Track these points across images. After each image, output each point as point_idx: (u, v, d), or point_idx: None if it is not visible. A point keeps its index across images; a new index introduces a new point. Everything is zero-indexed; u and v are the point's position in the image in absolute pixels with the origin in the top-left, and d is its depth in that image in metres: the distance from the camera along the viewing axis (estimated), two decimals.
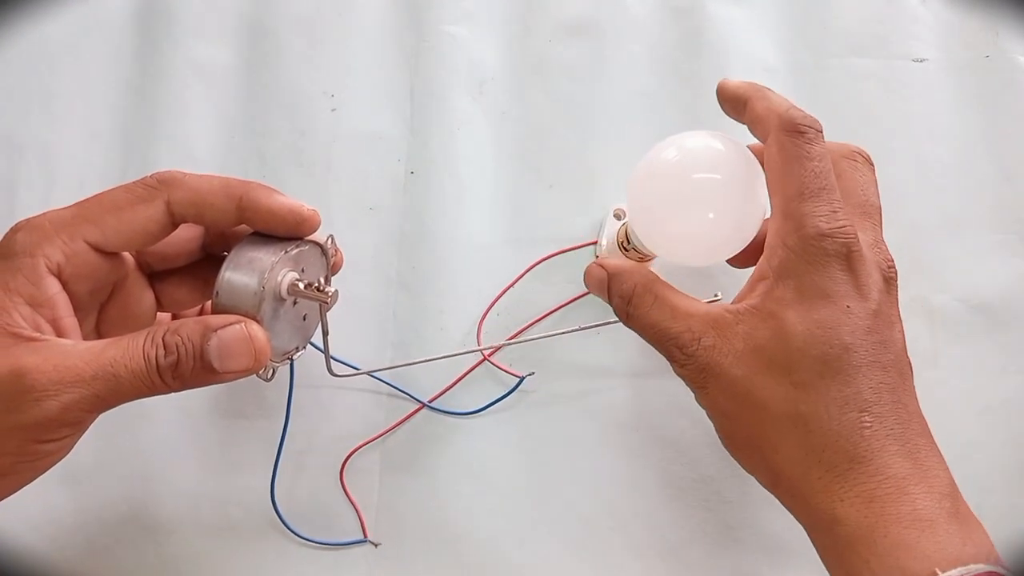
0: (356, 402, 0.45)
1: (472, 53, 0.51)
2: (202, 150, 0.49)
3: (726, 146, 0.37)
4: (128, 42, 0.51)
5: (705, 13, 0.52)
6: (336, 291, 0.33)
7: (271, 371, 0.34)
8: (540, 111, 0.50)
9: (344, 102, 0.50)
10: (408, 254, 0.48)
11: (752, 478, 0.46)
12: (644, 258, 0.44)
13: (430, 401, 0.45)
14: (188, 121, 0.49)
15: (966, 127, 0.50)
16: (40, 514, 0.44)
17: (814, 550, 0.43)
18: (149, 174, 0.32)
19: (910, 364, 0.32)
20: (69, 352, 0.28)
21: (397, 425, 0.45)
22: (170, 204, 0.31)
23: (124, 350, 0.28)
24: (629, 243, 0.43)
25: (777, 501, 0.45)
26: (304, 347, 0.36)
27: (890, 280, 0.33)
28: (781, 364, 0.30)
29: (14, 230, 0.30)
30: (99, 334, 0.34)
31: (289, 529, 0.43)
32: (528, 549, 0.44)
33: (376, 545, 0.44)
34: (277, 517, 0.43)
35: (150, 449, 0.45)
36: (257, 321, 0.30)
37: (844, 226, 0.31)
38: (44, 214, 0.30)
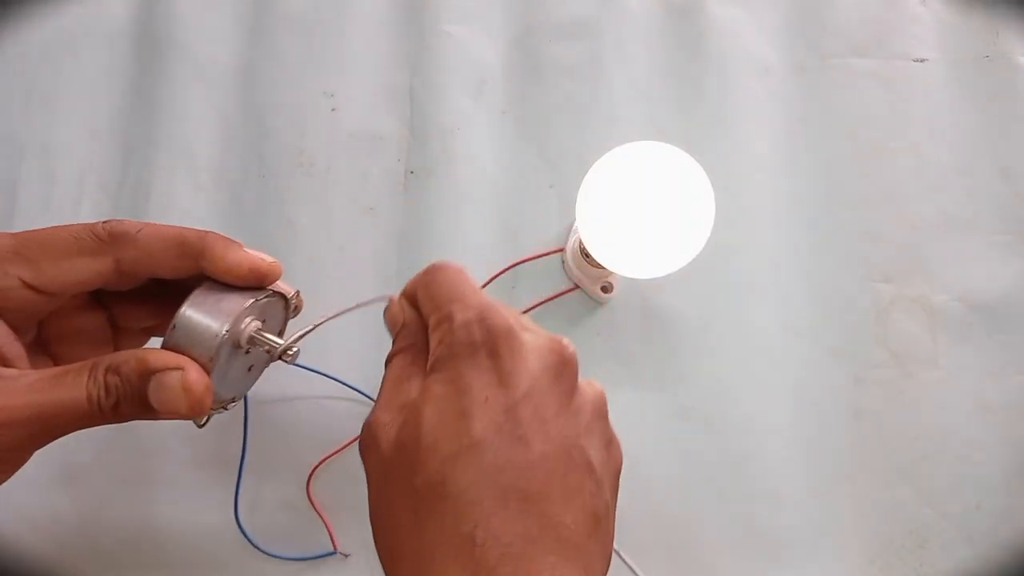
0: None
1: (472, 53, 0.51)
2: (202, 150, 0.49)
3: (671, 159, 0.39)
4: (128, 42, 0.51)
5: (705, 13, 0.52)
6: (298, 350, 0.32)
7: (204, 419, 0.32)
8: (540, 111, 0.50)
9: (344, 102, 0.50)
10: (408, 254, 0.48)
11: (755, 476, 0.46)
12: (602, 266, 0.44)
13: None
14: (188, 121, 0.49)
15: (966, 127, 0.50)
16: (39, 514, 0.44)
17: (814, 550, 0.43)
18: (103, 221, 0.30)
19: (583, 460, 0.28)
20: (10, 389, 0.27)
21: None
22: (120, 262, 0.30)
23: (68, 390, 0.27)
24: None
25: (778, 500, 0.45)
26: (240, 399, 0.34)
27: (559, 368, 0.29)
28: (410, 462, 0.28)
29: None
30: (43, 343, 0.33)
31: (252, 544, 0.43)
32: None
33: (346, 556, 0.43)
34: (241, 534, 0.43)
35: (149, 450, 0.45)
36: (208, 368, 0.29)
37: (484, 312, 0.29)
38: None
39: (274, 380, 0.42)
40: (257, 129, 0.50)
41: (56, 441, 0.29)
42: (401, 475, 0.28)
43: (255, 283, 0.31)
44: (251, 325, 0.31)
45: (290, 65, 0.51)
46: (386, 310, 0.34)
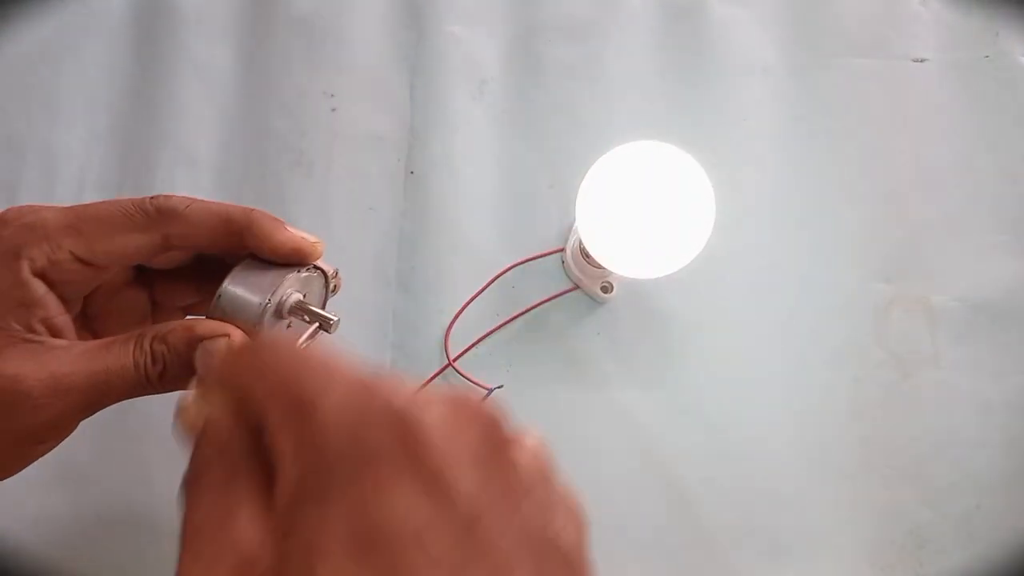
0: None
1: (472, 53, 0.51)
2: (202, 150, 0.49)
3: (671, 159, 0.39)
4: (128, 42, 0.51)
5: (705, 13, 0.52)
6: (339, 320, 0.32)
7: None
8: (540, 111, 0.50)
9: (344, 102, 0.50)
10: (408, 254, 0.48)
11: (755, 476, 0.46)
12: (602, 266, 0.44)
13: None
14: (188, 121, 0.49)
15: (966, 127, 0.50)
16: (39, 514, 0.44)
17: (814, 550, 0.43)
18: (150, 197, 0.31)
19: (564, 556, 0.20)
20: (63, 358, 0.28)
21: None
22: (167, 237, 0.31)
23: (116, 358, 0.28)
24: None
25: (778, 500, 0.45)
26: None
27: (489, 438, 0.20)
28: None
29: (2, 223, 0.29)
30: (87, 319, 0.34)
31: None
32: None
33: None
34: None
35: (148, 449, 0.45)
36: (251, 335, 0.30)
37: (368, 388, 0.20)
38: (37, 211, 0.30)
39: None
40: (257, 129, 0.50)
41: None
42: None
43: (296, 262, 0.31)
44: (293, 296, 0.31)
45: (290, 65, 0.51)
46: (179, 413, 0.23)
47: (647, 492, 0.45)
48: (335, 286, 0.35)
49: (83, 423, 0.30)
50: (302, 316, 0.32)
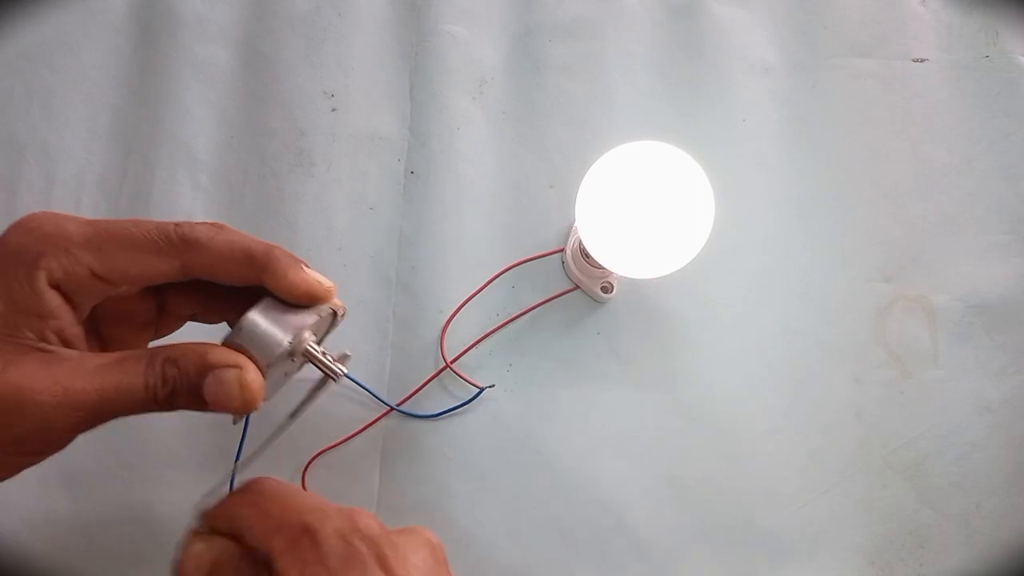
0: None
1: (472, 53, 0.51)
2: (202, 150, 0.49)
3: (671, 159, 0.39)
4: (128, 42, 0.51)
5: (705, 13, 0.52)
6: (345, 372, 0.33)
7: (243, 416, 0.33)
8: (540, 111, 0.50)
9: (344, 102, 0.50)
10: (408, 254, 0.48)
11: (755, 476, 0.46)
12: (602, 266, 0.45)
13: (398, 404, 0.45)
14: (188, 121, 0.49)
15: (966, 127, 0.50)
16: (40, 515, 0.44)
17: (814, 550, 0.43)
18: (175, 223, 0.31)
19: None
20: (76, 372, 0.28)
21: (363, 429, 0.45)
22: (186, 265, 0.31)
23: (128, 376, 0.29)
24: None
25: (778, 500, 0.45)
26: (268, 400, 0.35)
27: (438, 558, 0.28)
28: None
29: (23, 230, 0.29)
30: (92, 321, 0.33)
31: None
32: (528, 550, 0.44)
33: None
34: None
35: (149, 450, 0.45)
36: (264, 371, 0.30)
37: (353, 517, 0.27)
38: (58, 220, 0.30)
39: None
40: (257, 129, 0.50)
41: None
42: None
43: (308, 304, 0.32)
44: (309, 339, 0.32)
45: (290, 65, 0.51)
46: (179, 557, 0.27)
47: (647, 492, 0.45)
48: (338, 323, 0.35)
49: None
50: (312, 361, 0.32)
